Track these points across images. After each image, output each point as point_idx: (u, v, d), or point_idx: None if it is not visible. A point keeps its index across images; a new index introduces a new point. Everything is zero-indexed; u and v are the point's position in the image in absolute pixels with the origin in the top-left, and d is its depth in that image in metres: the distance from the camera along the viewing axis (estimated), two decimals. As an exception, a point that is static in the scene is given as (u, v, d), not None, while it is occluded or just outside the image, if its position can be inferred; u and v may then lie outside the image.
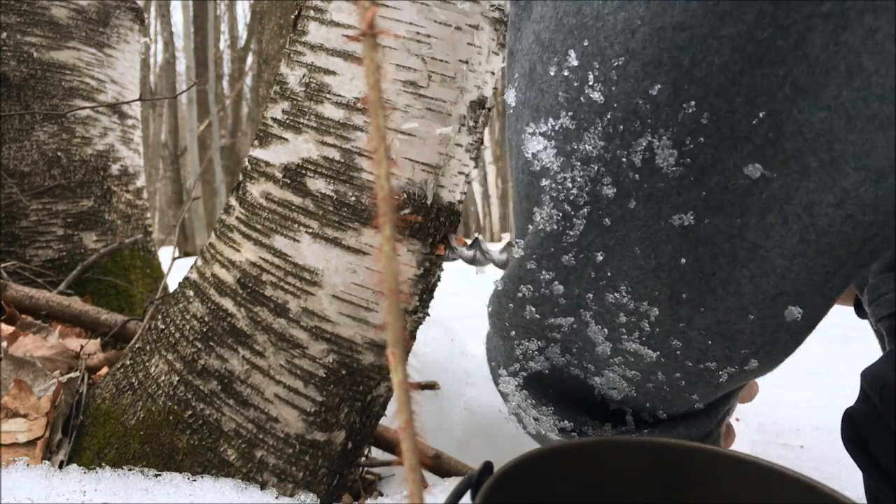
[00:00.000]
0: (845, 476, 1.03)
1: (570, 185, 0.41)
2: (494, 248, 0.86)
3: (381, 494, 1.02)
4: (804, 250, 0.38)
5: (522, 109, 0.43)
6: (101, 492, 0.82)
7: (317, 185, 0.85)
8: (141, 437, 0.88)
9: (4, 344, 1.06)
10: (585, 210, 0.41)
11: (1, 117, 1.45)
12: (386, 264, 0.18)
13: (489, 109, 0.90)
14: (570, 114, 0.40)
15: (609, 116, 0.38)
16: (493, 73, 0.89)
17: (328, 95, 0.84)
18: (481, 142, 0.93)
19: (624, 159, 0.39)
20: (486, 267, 0.86)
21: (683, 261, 0.40)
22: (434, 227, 0.87)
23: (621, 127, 0.38)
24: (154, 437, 0.88)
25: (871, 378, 0.58)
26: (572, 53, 0.39)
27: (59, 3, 1.53)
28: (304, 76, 0.86)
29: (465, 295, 3.13)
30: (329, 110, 0.84)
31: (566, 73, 0.39)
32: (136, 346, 0.98)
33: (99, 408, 0.93)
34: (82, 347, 1.12)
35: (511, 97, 0.44)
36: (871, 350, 0.70)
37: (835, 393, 1.63)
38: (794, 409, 1.54)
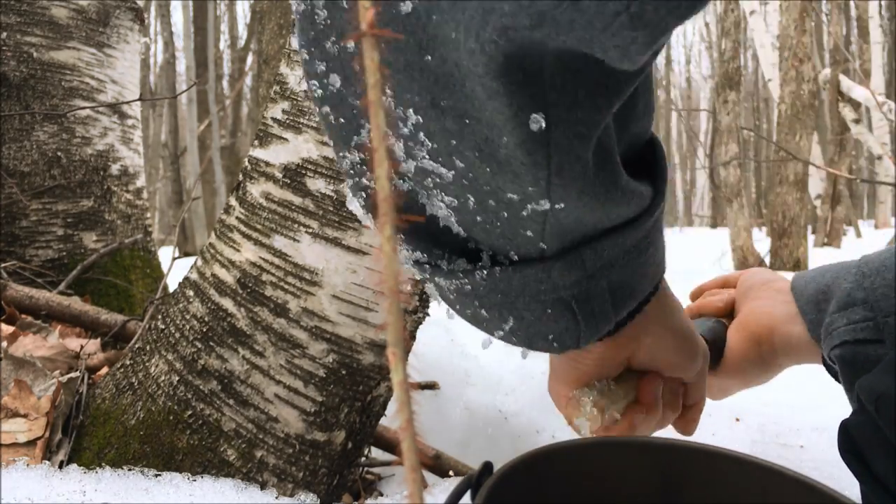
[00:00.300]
0: (845, 476, 1.03)
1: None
2: None
3: (381, 494, 1.02)
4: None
5: None
6: (101, 492, 0.82)
7: (317, 184, 0.85)
8: (141, 437, 0.88)
9: (4, 344, 1.06)
10: None
11: (1, 117, 1.45)
12: (386, 264, 0.18)
13: (489, 109, 0.90)
14: None
15: None
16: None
17: (328, 95, 0.84)
18: (481, 142, 0.93)
19: None
20: None
21: (429, 58, 0.37)
22: (434, 227, 0.87)
23: None
24: (154, 437, 0.88)
25: (866, 390, 0.58)
26: None
27: (59, 3, 1.53)
28: (304, 76, 0.86)
29: (466, 295, 3.13)
30: (329, 110, 0.84)
31: None
32: (136, 346, 0.98)
33: (99, 408, 0.93)
34: (82, 347, 1.12)
35: None
36: (871, 350, 0.70)
37: (835, 394, 1.63)
38: (793, 410, 1.54)
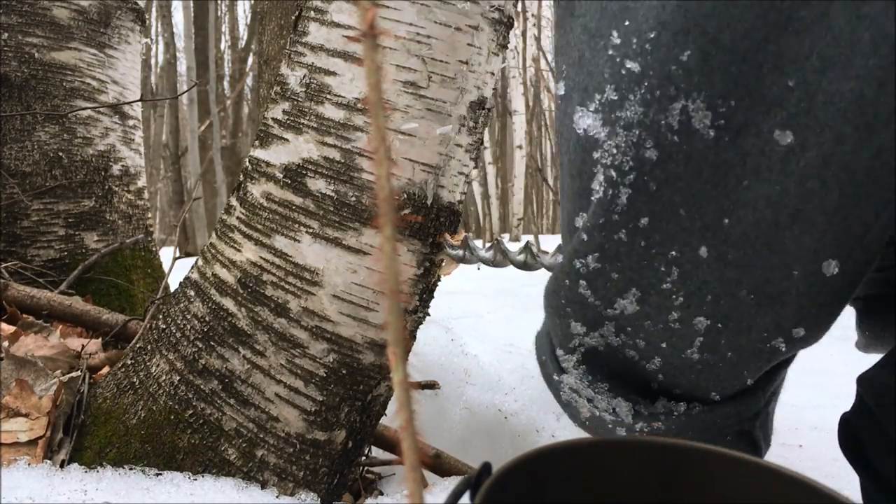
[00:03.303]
0: (844, 476, 1.03)
1: (615, 151, 0.43)
2: (480, 245, 0.88)
3: (382, 493, 1.02)
4: (843, 205, 0.40)
5: (572, 94, 0.46)
6: (103, 491, 0.82)
7: (317, 185, 0.85)
8: (142, 437, 0.89)
9: (6, 344, 1.06)
10: (631, 176, 0.43)
11: (2, 118, 1.45)
12: (386, 264, 0.18)
13: (489, 110, 0.90)
14: (612, 86, 0.43)
15: (646, 83, 0.41)
16: (492, 74, 0.89)
17: (329, 96, 0.85)
18: (481, 142, 0.93)
19: (662, 122, 0.41)
20: (480, 264, 0.87)
21: (727, 221, 0.42)
22: (434, 227, 0.87)
23: (658, 92, 0.41)
24: (155, 436, 0.88)
25: (866, 383, 0.58)
26: (615, 34, 0.42)
27: (61, 4, 1.53)
28: (304, 77, 0.87)
29: (465, 295, 3.13)
30: (329, 111, 0.85)
31: (610, 52, 0.42)
32: (137, 345, 0.98)
33: (100, 407, 0.93)
34: (83, 347, 1.12)
35: (561, 88, 0.47)
36: (870, 350, 0.70)
37: (834, 393, 1.63)
38: (793, 409, 1.54)
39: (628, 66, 0.42)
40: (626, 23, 0.41)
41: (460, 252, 0.87)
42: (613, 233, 0.45)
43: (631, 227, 0.44)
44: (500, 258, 0.86)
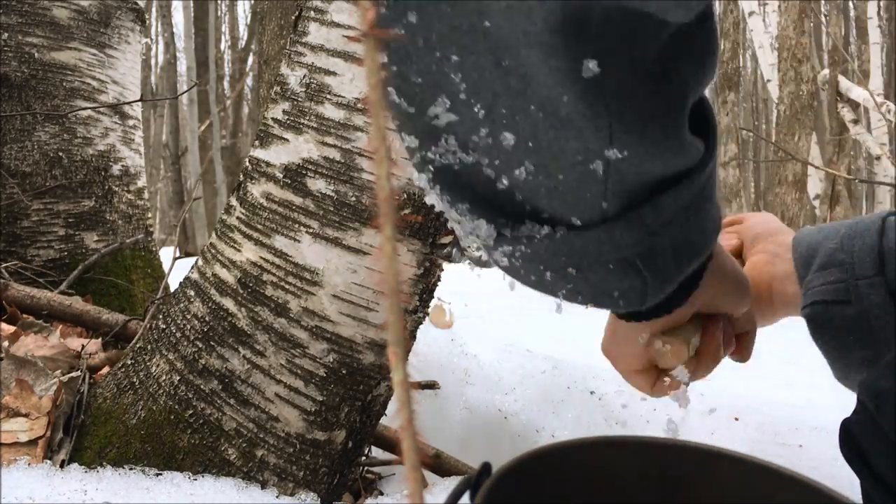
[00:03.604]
0: (844, 476, 1.03)
1: None
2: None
3: (382, 493, 1.03)
4: None
5: None
6: (103, 491, 0.82)
7: (317, 185, 0.85)
8: (142, 437, 0.89)
9: (6, 344, 1.06)
10: None
11: (2, 118, 1.45)
12: (386, 264, 0.18)
13: (489, 110, 0.90)
14: None
15: None
16: (493, 74, 0.89)
17: (329, 96, 0.85)
18: (481, 142, 0.93)
19: None
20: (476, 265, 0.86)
21: (487, 24, 0.39)
22: (434, 227, 0.87)
23: None
24: (155, 436, 0.88)
25: (866, 388, 0.58)
26: None
27: (61, 4, 1.53)
28: (304, 77, 0.87)
29: (465, 295, 3.14)
30: (329, 111, 0.85)
31: None
32: (137, 345, 0.99)
33: (100, 407, 0.94)
34: (83, 347, 1.12)
35: None
36: (869, 350, 0.71)
37: (834, 393, 1.63)
38: (793, 409, 1.54)
39: None
40: None
41: (449, 250, 0.86)
42: (392, 29, 0.42)
43: (405, 22, 0.41)
44: (477, 256, 0.85)
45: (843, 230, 0.70)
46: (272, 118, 0.90)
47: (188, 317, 0.92)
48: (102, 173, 1.57)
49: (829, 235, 0.72)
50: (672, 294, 0.52)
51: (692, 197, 0.47)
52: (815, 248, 0.72)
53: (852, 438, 0.60)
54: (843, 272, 0.67)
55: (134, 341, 1.02)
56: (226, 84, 16.09)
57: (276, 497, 0.86)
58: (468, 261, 0.87)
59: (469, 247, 0.52)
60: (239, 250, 0.90)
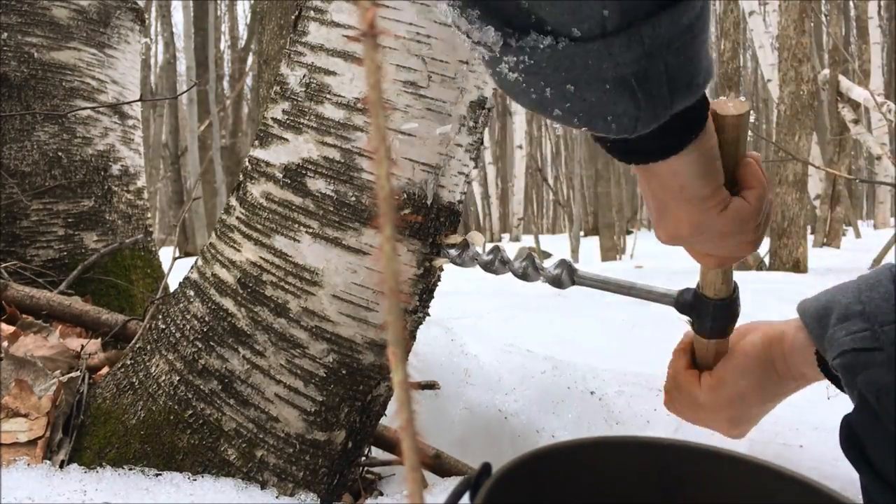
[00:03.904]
0: (844, 476, 1.03)
1: None
2: (480, 251, 0.86)
3: (381, 494, 1.03)
4: None
5: None
6: (102, 491, 0.82)
7: (317, 185, 0.85)
8: (141, 437, 0.89)
9: (5, 344, 1.06)
10: None
11: (2, 117, 1.45)
12: (386, 264, 0.18)
13: (489, 110, 0.90)
14: None
15: None
16: (493, 74, 0.89)
17: (328, 96, 0.85)
18: (481, 142, 0.93)
19: None
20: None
21: None
22: (434, 227, 0.87)
23: None
24: (155, 436, 0.88)
25: (868, 383, 0.59)
26: None
27: (60, 4, 1.53)
28: (304, 76, 0.87)
29: (465, 295, 3.13)
30: (329, 110, 0.85)
31: None
32: (137, 345, 0.98)
33: (100, 407, 0.93)
34: (83, 347, 1.12)
35: None
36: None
37: (833, 394, 1.63)
38: (793, 409, 1.54)
39: None
40: None
41: (457, 255, 0.86)
42: None
43: None
44: (500, 266, 0.85)
45: (852, 286, 0.70)
46: (272, 118, 0.90)
47: (188, 317, 0.92)
48: (102, 173, 1.57)
49: (838, 293, 0.71)
50: (666, 127, 0.53)
51: (689, 21, 0.49)
52: (828, 307, 0.71)
53: (853, 434, 0.60)
54: (864, 321, 0.66)
55: (133, 341, 1.02)
56: (225, 84, 16.09)
57: (276, 497, 0.86)
58: (477, 265, 0.87)
59: (482, 54, 0.53)
60: (239, 250, 0.89)
